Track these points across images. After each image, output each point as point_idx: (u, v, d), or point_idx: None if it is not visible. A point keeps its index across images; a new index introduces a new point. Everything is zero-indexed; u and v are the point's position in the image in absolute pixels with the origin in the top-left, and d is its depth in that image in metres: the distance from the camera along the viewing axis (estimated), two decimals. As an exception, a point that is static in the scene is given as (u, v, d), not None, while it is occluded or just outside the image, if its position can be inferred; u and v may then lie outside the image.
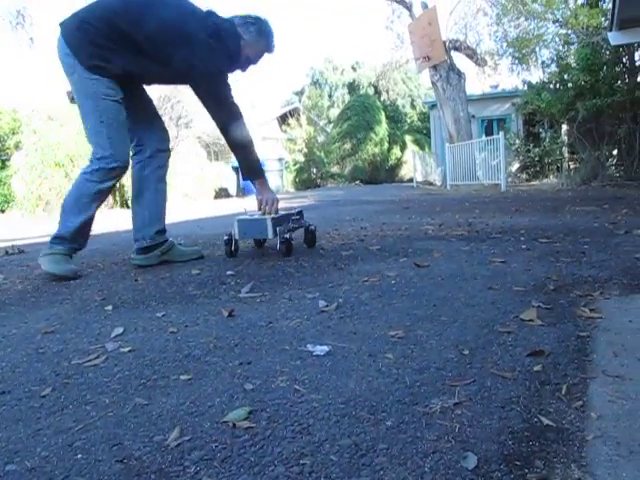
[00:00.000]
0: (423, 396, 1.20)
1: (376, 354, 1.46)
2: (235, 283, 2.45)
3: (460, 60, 16.20)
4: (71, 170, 12.17)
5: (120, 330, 1.83)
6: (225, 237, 3.18)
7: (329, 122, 35.71)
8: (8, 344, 1.80)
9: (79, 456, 1.01)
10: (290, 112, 26.68)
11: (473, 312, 1.83)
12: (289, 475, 0.90)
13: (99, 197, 2.92)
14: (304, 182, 23.77)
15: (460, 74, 15.22)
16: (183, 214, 8.04)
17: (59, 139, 12.31)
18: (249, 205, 10.57)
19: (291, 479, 0.89)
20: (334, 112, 38.75)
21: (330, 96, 44.70)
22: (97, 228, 3.76)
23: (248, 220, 3.09)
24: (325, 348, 1.51)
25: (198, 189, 16.03)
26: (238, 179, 17.29)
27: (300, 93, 43.58)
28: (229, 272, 2.69)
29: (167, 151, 3.21)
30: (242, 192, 17.08)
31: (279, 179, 18.26)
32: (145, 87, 3.21)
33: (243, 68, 3.11)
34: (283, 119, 26.85)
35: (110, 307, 2.20)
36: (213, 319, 1.89)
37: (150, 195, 3.10)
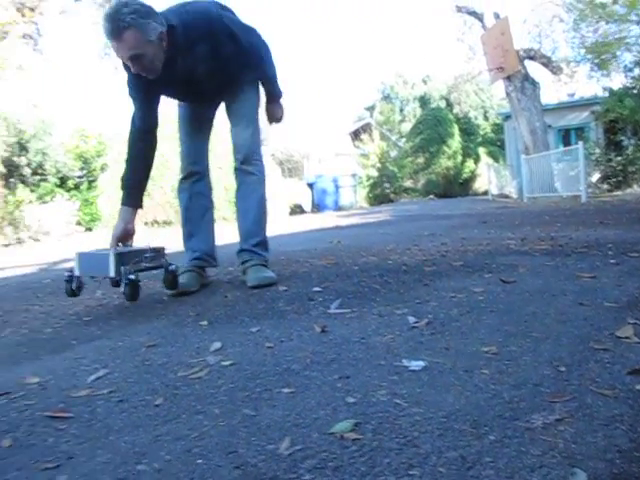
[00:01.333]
0: (523, 412, 1.21)
1: (472, 370, 1.48)
2: (323, 299, 2.51)
3: (535, 69, 15.93)
4: (152, 189, 12.67)
5: (218, 345, 1.92)
6: (66, 274, 2.79)
7: (401, 137, 35.66)
8: (116, 356, 1.93)
9: (199, 461, 1.09)
10: (362, 127, 26.83)
11: (565, 328, 1.82)
12: (400, 484, 0.94)
13: None
14: (377, 197, 23.80)
15: (535, 83, 14.93)
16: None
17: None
18: (322, 221, 10.72)
19: (403, 488, 0.93)
20: (405, 126, 38.68)
21: (401, 110, 44.66)
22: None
23: (89, 254, 2.75)
24: (421, 363, 1.54)
25: (273, 206, 16.34)
26: (313, 195, 17.53)
27: (371, 108, 43.76)
28: (316, 289, 2.75)
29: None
30: (317, 208, 17.29)
31: (352, 195, 18.36)
32: None
33: None
34: (356, 135, 27.03)
35: (205, 322, 2.30)
36: (306, 334, 1.96)
37: None
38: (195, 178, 3.26)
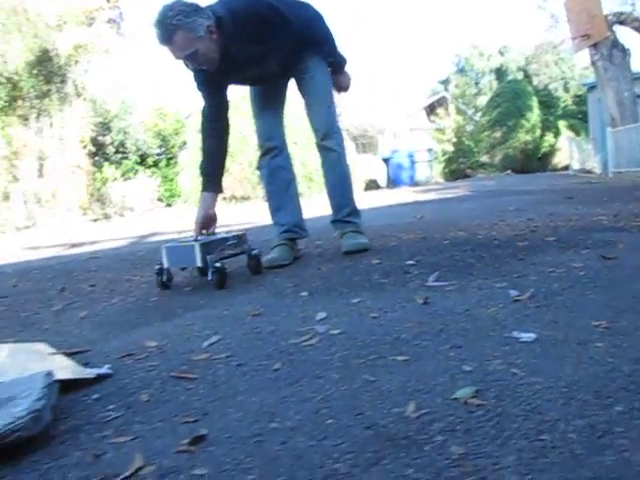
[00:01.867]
0: (647, 385, 1.20)
1: (585, 343, 1.47)
2: (419, 272, 2.53)
3: (625, 34, 15.09)
4: (231, 165, 12.92)
5: (323, 314, 1.98)
6: (156, 267, 2.86)
7: (476, 111, 34.79)
8: (225, 324, 2.02)
9: (329, 421, 1.14)
10: (438, 101, 26.35)
11: (678, 305, 1.77)
12: (532, 448, 0.97)
13: None
14: (453, 173, 23.41)
15: (625, 50, 14.17)
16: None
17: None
18: (400, 196, 10.66)
19: (535, 452, 0.95)
20: (480, 100, 37.67)
21: (477, 83, 43.48)
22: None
23: (175, 247, 2.79)
24: (532, 335, 1.54)
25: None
26: (388, 170, 17.41)
27: (446, 82, 42.79)
28: (409, 262, 2.77)
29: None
30: (392, 184, 17.19)
31: (428, 170, 18.12)
32: None
33: None
34: (430, 109, 26.58)
35: (305, 293, 2.37)
36: (409, 306, 1.99)
37: None
38: (273, 153, 3.31)
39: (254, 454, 1.04)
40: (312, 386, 1.34)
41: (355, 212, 3.36)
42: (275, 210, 3.38)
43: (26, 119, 11.61)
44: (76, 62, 12.31)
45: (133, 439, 1.16)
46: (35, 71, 11.71)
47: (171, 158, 25.11)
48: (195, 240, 2.75)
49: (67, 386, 1.47)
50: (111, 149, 21.27)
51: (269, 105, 3.38)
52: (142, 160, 24.12)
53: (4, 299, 3.11)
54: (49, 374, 1.32)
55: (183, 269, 3.08)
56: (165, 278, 2.85)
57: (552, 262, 2.56)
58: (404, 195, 11.43)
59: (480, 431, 1.04)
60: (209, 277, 2.69)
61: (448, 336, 1.61)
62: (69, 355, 1.79)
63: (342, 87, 3.40)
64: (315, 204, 3.40)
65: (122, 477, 1.00)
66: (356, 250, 3.13)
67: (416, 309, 1.93)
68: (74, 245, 6.49)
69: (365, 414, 1.16)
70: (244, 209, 10.91)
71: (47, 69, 12.02)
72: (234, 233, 2.98)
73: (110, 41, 13.32)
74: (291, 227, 3.32)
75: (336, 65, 3.33)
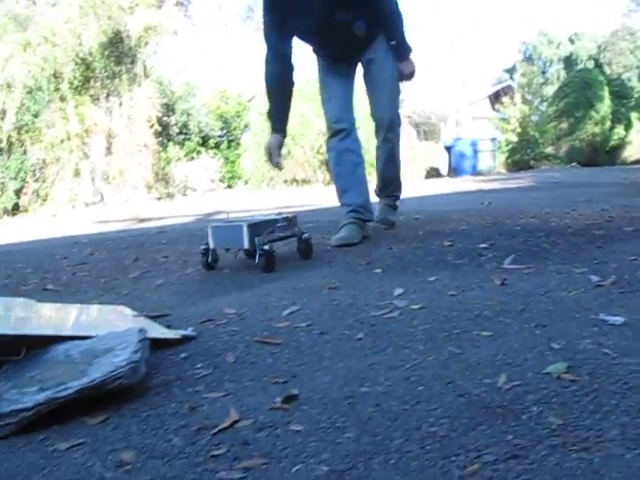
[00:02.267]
0: None
1: (678, 329, 1.43)
2: (493, 255, 2.49)
3: None
4: (292, 148, 12.99)
5: (401, 290, 1.98)
6: (202, 247, 2.78)
7: (542, 100, 33.83)
8: (301, 295, 2.04)
9: (420, 388, 1.15)
10: (503, 90, 25.73)
11: None
12: (636, 424, 0.95)
13: None
14: (516, 163, 22.82)
15: None
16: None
17: (281, 120, 13.16)
18: (462, 185, 10.50)
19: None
20: (547, 89, 36.59)
21: (544, 72, 42.22)
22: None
23: (223, 227, 2.72)
24: (620, 319, 1.51)
25: (410, 168, 16.19)
26: (450, 159, 17.13)
27: (511, 70, 41.71)
28: (482, 245, 2.74)
29: None
30: (453, 172, 16.91)
31: (491, 159, 17.70)
32: None
33: None
34: (495, 97, 25.98)
35: (379, 270, 2.37)
36: (487, 286, 1.97)
37: None
38: (342, 135, 3.30)
39: (348, 415, 1.06)
40: (399, 355, 1.35)
41: (396, 190, 3.59)
42: (342, 192, 3.37)
43: (97, 99, 11.96)
44: (146, 44, 12.56)
45: (225, 395, 1.19)
46: (107, 52, 12.01)
47: (232, 140, 25.40)
48: (243, 221, 2.65)
49: (155, 344, 1.52)
50: (174, 130, 21.67)
51: (339, 86, 3.38)
52: (204, 142, 24.47)
53: (83, 265, 3.23)
54: (142, 330, 1.37)
55: (228, 250, 2.84)
56: (210, 259, 2.73)
57: (633, 251, 2.47)
58: (467, 184, 11.24)
59: (577, 405, 1.03)
60: (256, 260, 2.54)
61: (531, 315, 1.58)
62: (151, 318, 1.85)
63: (406, 75, 3.36)
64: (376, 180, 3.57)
65: (219, 428, 1.03)
66: (386, 222, 3.48)
67: (494, 289, 1.91)
68: (142, 220, 6.67)
69: (456, 383, 1.16)
70: (305, 192, 10.96)
71: (118, 50, 12.31)
72: (284, 215, 2.84)
73: (178, 23, 13.53)
74: (358, 207, 3.29)
75: (403, 52, 3.30)
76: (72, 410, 1.12)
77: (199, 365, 1.39)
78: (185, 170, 14.72)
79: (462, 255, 2.54)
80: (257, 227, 2.60)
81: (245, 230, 2.54)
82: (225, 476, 0.87)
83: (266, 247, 2.53)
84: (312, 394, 1.16)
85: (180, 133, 22.53)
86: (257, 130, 13.55)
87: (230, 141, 25.23)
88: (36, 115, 10.77)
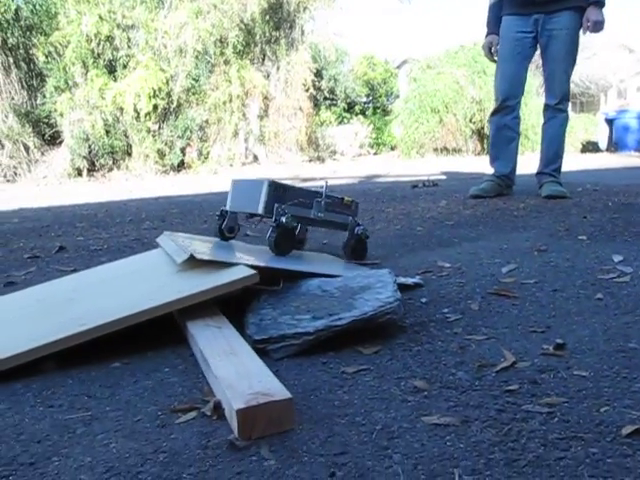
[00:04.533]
0: None
1: None
2: None
3: None
4: (445, 116, 12.74)
5: (620, 257, 1.90)
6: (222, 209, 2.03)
7: None
8: (512, 255, 2.02)
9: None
10: (676, 58, 23.41)
11: None
12: None
13: None
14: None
15: None
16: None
17: (436, 87, 12.93)
18: (626, 160, 9.78)
19: None
20: None
21: None
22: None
23: (244, 182, 2.03)
24: None
25: (566, 142, 15.33)
26: (611, 132, 15.98)
27: (685, 37, 37.85)
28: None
29: None
30: (614, 147, 15.79)
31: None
32: None
33: None
34: (666, 66, 23.73)
35: (584, 237, 2.29)
36: None
37: None
38: (505, 112, 3.62)
39: (630, 367, 1.04)
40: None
41: (559, 169, 3.65)
42: (493, 159, 3.78)
43: (256, 62, 12.37)
44: (304, 9, 12.76)
45: (487, 338, 1.22)
46: (267, 18, 12.35)
47: (378, 107, 25.36)
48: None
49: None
50: (322, 95, 22.00)
51: (516, 59, 3.52)
52: (349, 107, 24.66)
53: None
54: (391, 272, 1.42)
55: (250, 217, 1.97)
56: (225, 225, 1.98)
57: None
58: (630, 160, 10.46)
59: None
60: (268, 234, 1.80)
61: None
62: (365, 266, 1.92)
63: (591, 24, 3.32)
64: (527, 162, 3.63)
65: (501, 367, 1.06)
66: (556, 195, 3.42)
67: None
68: (305, 180, 6.87)
69: None
70: (457, 161, 10.74)
71: (277, 16, 12.62)
72: (339, 196, 2.07)
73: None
74: (501, 175, 3.71)
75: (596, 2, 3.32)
76: (344, 339, 1.20)
77: (445, 310, 1.43)
78: (335, 134, 14.90)
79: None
80: (285, 191, 1.88)
81: (265, 189, 1.83)
82: (532, 409, 0.89)
83: (283, 219, 1.78)
84: (578, 345, 1.16)
85: (326, 98, 22.84)
86: (410, 97, 13.39)
87: (376, 108, 25.22)
88: (199, 79, 11.38)
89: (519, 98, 3.63)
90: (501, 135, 3.67)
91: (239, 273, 1.33)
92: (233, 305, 1.40)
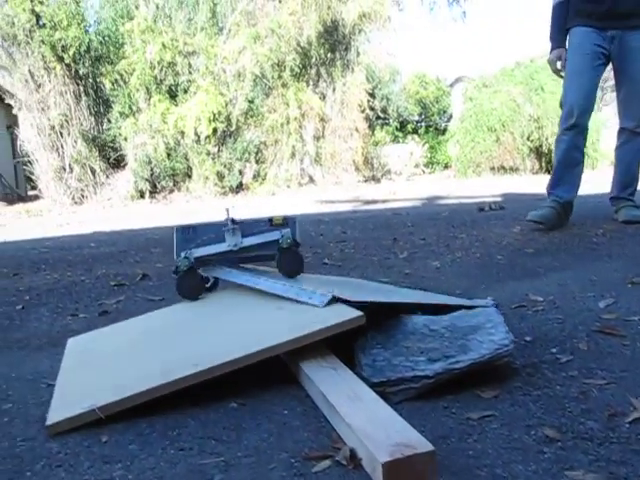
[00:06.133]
0: None
1: None
2: None
3: None
4: (502, 134, 12.60)
5: None
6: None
7: None
8: (607, 287, 1.97)
9: None
10: None
11: None
12: None
13: None
14: None
15: None
16: None
17: (492, 105, 12.82)
18: None
19: None
20: None
21: None
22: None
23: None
24: None
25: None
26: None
27: None
28: None
29: None
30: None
31: None
32: None
33: None
34: None
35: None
36: None
37: None
38: (576, 131, 3.35)
39: None
40: None
41: (634, 193, 3.51)
42: (555, 183, 3.48)
43: (312, 84, 12.53)
44: (359, 31, 12.87)
45: (607, 383, 1.19)
46: (322, 40, 12.52)
47: (430, 126, 25.27)
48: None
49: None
50: (374, 115, 22.09)
51: (592, 73, 3.34)
52: (402, 126, 24.65)
53: (344, 243, 3.42)
54: (497, 310, 1.41)
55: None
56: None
57: None
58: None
59: None
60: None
61: None
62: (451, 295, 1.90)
63: None
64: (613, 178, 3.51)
65: (633, 417, 1.03)
66: (636, 220, 3.30)
67: None
68: (367, 202, 6.89)
69: None
70: (514, 180, 10.58)
71: (332, 38, 12.77)
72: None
73: (390, 9, 13.67)
74: (565, 201, 3.43)
75: None
76: (461, 381, 1.19)
77: (553, 350, 1.40)
78: (389, 153, 14.92)
79: None
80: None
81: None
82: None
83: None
84: None
85: (379, 118, 22.90)
86: (466, 115, 13.31)
87: (428, 126, 25.15)
88: (254, 101, 11.60)
89: (590, 115, 3.42)
90: (569, 156, 3.42)
91: (346, 314, 1.33)
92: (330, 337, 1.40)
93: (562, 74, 3.44)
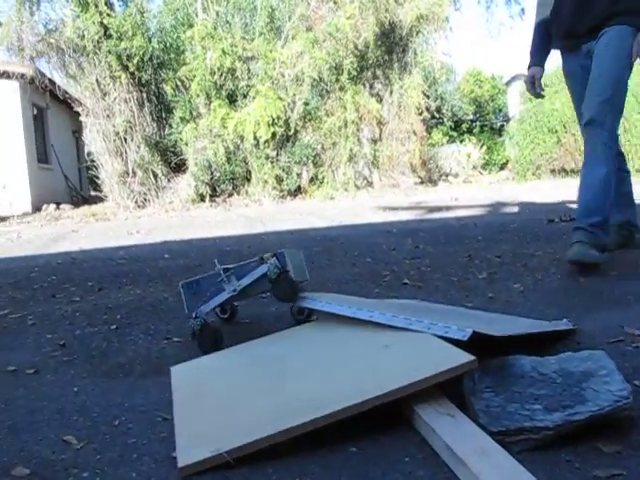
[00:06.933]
0: None
1: None
2: None
3: None
4: (563, 136, 12.33)
5: None
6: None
7: None
8: None
9: None
10: None
11: None
12: None
13: None
14: None
15: None
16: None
17: (553, 106, 12.55)
18: None
19: None
20: None
21: None
22: None
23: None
24: None
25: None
26: None
27: None
28: None
29: None
30: None
31: None
32: None
33: None
34: None
35: None
36: None
37: None
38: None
39: None
40: None
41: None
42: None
43: (369, 87, 12.53)
44: (417, 33, 12.80)
45: None
46: (379, 43, 12.50)
47: (485, 125, 24.90)
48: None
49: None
50: (427, 114, 21.91)
51: (581, 88, 3.08)
52: (456, 126, 24.38)
53: (419, 260, 3.42)
54: (607, 355, 1.40)
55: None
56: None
57: None
58: None
59: None
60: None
61: None
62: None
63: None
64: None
65: None
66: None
67: None
68: (431, 210, 6.86)
69: None
70: (576, 184, 10.33)
71: (389, 40, 12.74)
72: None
73: (447, 10, 13.53)
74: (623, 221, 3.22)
75: None
76: (579, 433, 1.20)
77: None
78: (446, 155, 14.79)
79: None
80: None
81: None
82: None
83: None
84: None
85: (433, 117, 22.70)
86: (526, 116, 13.06)
87: (483, 126, 24.79)
88: (310, 104, 11.68)
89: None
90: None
91: (458, 357, 1.35)
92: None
93: (542, 94, 3.26)
